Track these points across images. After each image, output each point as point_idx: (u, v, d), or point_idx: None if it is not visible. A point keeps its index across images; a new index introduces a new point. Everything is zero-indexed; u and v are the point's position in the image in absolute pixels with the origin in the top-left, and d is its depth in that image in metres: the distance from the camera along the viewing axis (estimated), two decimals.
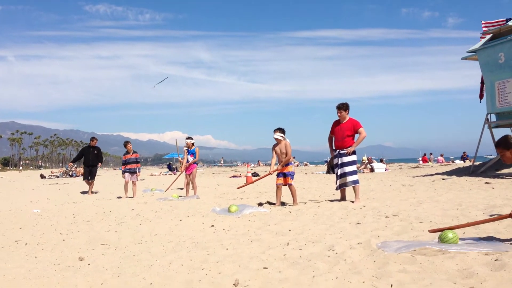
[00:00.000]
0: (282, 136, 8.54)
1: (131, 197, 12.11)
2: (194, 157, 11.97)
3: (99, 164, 14.33)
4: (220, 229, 6.17)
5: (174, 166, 41.77)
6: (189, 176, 11.94)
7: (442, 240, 4.28)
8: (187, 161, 11.97)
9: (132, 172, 12.47)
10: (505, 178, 12.24)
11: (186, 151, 12.11)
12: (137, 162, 12.60)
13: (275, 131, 8.59)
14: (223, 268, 4.04)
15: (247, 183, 9.65)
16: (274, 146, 8.73)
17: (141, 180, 25.49)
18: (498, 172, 13.37)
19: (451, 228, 4.56)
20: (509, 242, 4.29)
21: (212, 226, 6.47)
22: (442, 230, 4.70)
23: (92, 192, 14.09)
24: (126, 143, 12.70)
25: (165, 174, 35.49)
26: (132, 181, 12.44)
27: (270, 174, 8.88)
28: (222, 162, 74.33)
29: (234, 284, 3.55)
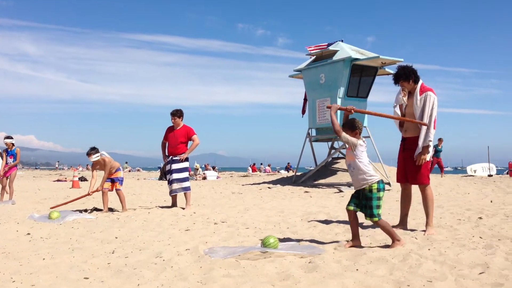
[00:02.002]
0: (98, 156, 8.21)
1: None
2: (15, 159, 10.77)
3: None
4: (37, 238, 5.63)
5: None
6: (7, 179, 10.70)
7: (264, 244, 4.54)
8: (6, 163, 10.72)
9: None
10: (321, 187, 13.56)
11: (5, 152, 10.83)
12: None
13: (89, 154, 8.19)
14: (38, 280, 3.68)
15: (62, 203, 8.79)
16: (94, 166, 8.37)
17: None
18: (316, 182, 14.75)
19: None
20: (321, 246, 4.75)
21: (28, 234, 5.87)
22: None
23: None
24: None
25: None
26: None
27: (89, 194, 8.43)
28: (56, 165, 67.23)
29: None
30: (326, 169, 15.93)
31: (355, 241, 4.78)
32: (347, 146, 4.70)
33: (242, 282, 3.54)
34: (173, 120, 8.78)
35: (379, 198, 4.65)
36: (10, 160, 10.74)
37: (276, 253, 4.36)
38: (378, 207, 4.64)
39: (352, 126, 4.71)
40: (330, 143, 16.51)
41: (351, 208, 4.76)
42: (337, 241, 5.00)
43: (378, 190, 4.64)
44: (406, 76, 5.66)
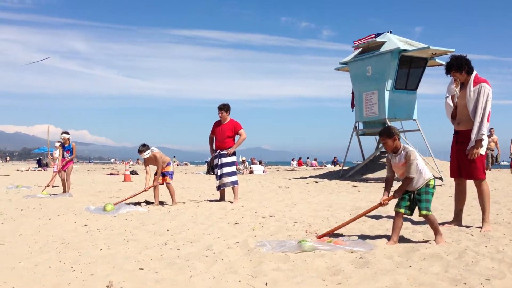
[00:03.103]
0: (148, 153, 8.40)
1: None
2: (71, 153, 11.29)
3: None
4: (94, 229, 5.87)
5: (44, 162, 38.84)
6: (64, 173, 11.21)
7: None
8: (63, 157, 11.26)
9: None
10: (369, 182, 13.36)
11: (61, 146, 11.34)
12: None
13: (140, 152, 8.39)
14: (96, 269, 3.84)
15: (122, 200, 9.00)
16: (146, 162, 8.57)
17: (5, 175, 23.31)
18: (364, 177, 14.55)
19: (334, 230, 4.83)
20: (372, 241, 4.68)
21: (86, 225, 6.13)
22: (328, 233, 5.01)
23: None
24: None
25: (34, 170, 32.88)
26: None
27: (145, 190, 8.62)
28: (113, 161, 69.93)
29: (107, 286, 3.38)
30: (374, 163, 15.68)
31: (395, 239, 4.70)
32: (400, 161, 4.62)
33: (292, 276, 3.55)
34: (220, 115, 8.87)
35: (432, 194, 4.68)
36: (67, 155, 11.25)
37: (325, 248, 4.35)
38: (431, 201, 4.66)
39: (389, 133, 4.65)
40: (378, 136, 16.23)
41: (402, 210, 4.68)
42: (388, 236, 4.92)
43: (433, 186, 4.69)
44: (458, 67, 5.47)
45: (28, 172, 29.28)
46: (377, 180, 13.61)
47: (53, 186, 13.63)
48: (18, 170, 32.06)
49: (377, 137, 16.19)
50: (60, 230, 5.80)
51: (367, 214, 5.31)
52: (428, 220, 4.66)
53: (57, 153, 12.31)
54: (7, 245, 4.88)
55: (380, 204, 4.77)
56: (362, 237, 4.99)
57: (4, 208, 8.08)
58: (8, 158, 77.31)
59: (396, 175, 4.85)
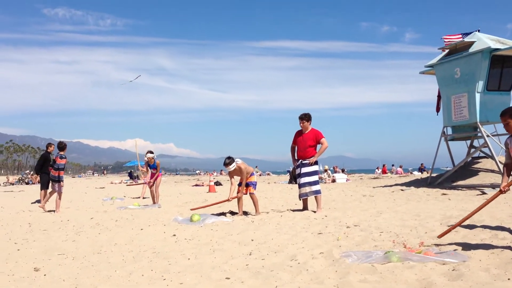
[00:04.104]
0: (234, 166, 8.57)
1: (54, 211, 10.32)
2: (157, 170, 11.91)
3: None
4: (182, 239, 6.09)
5: (135, 174, 41.00)
6: (153, 185, 11.81)
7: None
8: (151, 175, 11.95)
9: (57, 181, 10.31)
10: (461, 189, 12.64)
11: (147, 165, 11.95)
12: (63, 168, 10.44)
13: (226, 165, 8.57)
14: (185, 278, 3.98)
15: (202, 206, 9.35)
16: (231, 173, 8.77)
17: (101, 188, 24.92)
18: (454, 184, 13.79)
19: (455, 226, 4.97)
20: (465, 252, 4.41)
21: (174, 235, 6.38)
22: (449, 231, 4.97)
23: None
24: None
25: (126, 182, 34.81)
26: (58, 192, 10.35)
27: (228, 200, 8.84)
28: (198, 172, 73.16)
29: None
30: (466, 170, 14.83)
31: None
32: None
33: None
34: (301, 124, 8.86)
35: None
36: (154, 172, 11.90)
37: (415, 259, 4.17)
38: None
39: None
40: (469, 141, 15.36)
41: None
42: (484, 246, 4.61)
43: None
44: None
45: (121, 185, 31.06)
46: (470, 187, 12.85)
47: (143, 198, 14.35)
48: (112, 183, 34.15)
49: (468, 142, 15.32)
50: (151, 240, 6.08)
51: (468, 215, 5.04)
52: None
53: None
54: (103, 254, 5.20)
55: (501, 192, 4.55)
56: (455, 248, 4.72)
57: (101, 219, 8.64)
58: (105, 172, 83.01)
59: None
